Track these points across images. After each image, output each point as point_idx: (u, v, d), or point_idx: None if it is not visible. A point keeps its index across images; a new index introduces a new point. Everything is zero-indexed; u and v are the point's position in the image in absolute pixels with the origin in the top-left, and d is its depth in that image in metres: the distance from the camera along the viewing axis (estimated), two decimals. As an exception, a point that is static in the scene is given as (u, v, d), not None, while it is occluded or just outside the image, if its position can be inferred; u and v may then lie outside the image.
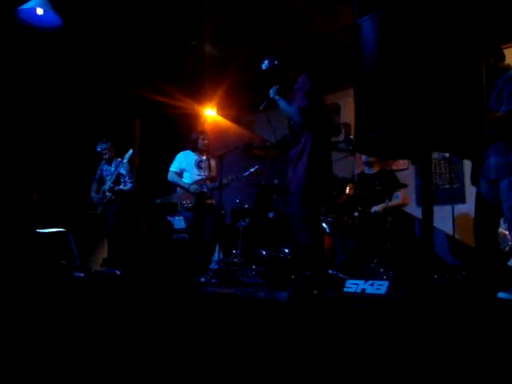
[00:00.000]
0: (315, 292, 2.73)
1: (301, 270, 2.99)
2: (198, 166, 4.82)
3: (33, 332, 1.68)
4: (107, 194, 5.06)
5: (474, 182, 3.03)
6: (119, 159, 5.16)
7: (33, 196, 4.93)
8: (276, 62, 3.29)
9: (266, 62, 3.32)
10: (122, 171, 5.09)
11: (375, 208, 4.22)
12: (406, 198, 4.43)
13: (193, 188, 4.65)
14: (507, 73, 2.81)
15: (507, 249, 3.67)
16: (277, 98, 3.22)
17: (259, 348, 1.44)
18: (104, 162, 5.27)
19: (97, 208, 5.15)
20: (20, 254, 4.38)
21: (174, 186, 4.93)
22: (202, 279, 4.25)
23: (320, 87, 3.25)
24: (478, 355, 1.22)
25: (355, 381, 1.20)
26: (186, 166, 4.84)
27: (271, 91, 3.26)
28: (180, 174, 4.84)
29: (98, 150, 5.19)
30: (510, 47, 4.67)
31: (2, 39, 4.80)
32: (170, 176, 4.87)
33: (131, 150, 5.07)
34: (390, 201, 3.95)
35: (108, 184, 5.08)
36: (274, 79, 3.30)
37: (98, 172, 5.30)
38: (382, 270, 3.62)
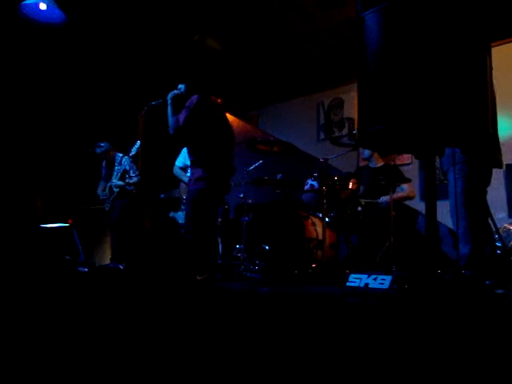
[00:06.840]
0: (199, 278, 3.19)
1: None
2: None
3: (36, 327, 1.69)
4: (115, 189, 5.08)
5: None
6: (121, 155, 5.17)
7: (35, 194, 4.93)
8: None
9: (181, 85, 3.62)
10: (126, 166, 5.11)
11: (384, 198, 4.18)
12: (413, 192, 4.42)
13: None
14: None
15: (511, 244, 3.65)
16: (169, 101, 3.52)
17: (260, 344, 1.44)
18: (105, 161, 5.29)
19: (104, 205, 5.17)
20: (24, 250, 4.41)
21: (178, 180, 4.95)
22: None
23: (209, 110, 3.50)
24: (481, 350, 1.22)
25: (357, 377, 1.20)
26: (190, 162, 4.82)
27: (170, 93, 3.55)
28: (184, 169, 4.83)
29: (97, 152, 5.21)
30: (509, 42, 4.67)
31: (5, 34, 4.80)
32: (175, 170, 4.91)
33: (138, 142, 5.06)
34: (393, 193, 3.92)
35: (115, 180, 5.09)
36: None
37: (103, 171, 5.33)
38: (385, 264, 3.61)
